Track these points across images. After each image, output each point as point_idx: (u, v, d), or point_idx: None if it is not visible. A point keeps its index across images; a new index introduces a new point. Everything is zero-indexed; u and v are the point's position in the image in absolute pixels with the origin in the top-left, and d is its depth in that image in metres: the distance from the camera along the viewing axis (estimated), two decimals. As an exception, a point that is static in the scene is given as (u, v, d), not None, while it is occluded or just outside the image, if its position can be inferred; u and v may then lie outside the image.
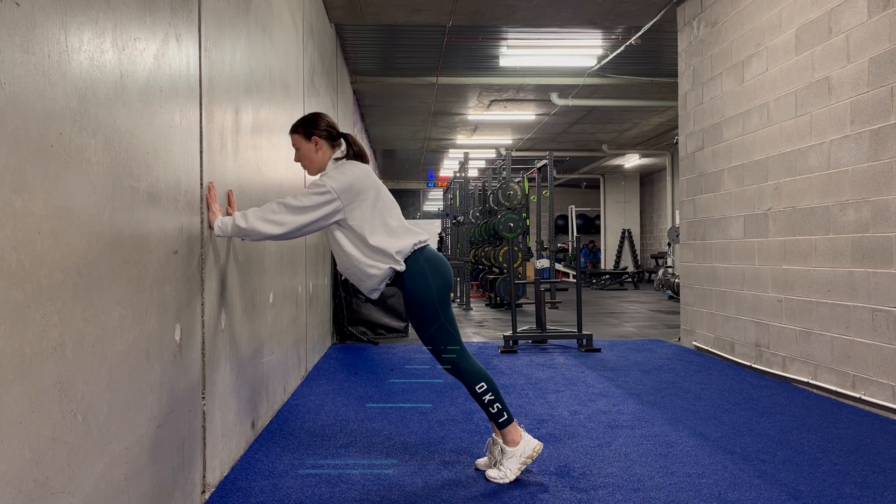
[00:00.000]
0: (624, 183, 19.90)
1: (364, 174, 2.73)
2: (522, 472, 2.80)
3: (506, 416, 2.76)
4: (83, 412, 1.56)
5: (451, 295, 2.83)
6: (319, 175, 2.76)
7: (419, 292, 2.71)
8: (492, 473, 2.74)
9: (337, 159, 2.79)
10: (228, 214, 2.77)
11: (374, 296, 2.79)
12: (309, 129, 2.81)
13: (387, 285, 2.76)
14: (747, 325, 5.22)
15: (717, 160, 5.71)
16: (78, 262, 1.54)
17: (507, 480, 2.70)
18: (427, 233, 2.86)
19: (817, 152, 4.34)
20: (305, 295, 4.96)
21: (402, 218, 2.81)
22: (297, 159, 2.88)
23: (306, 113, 4.97)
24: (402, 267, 2.69)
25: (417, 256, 2.74)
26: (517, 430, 2.78)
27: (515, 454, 2.74)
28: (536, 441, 2.80)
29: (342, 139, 2.84)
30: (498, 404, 2.76)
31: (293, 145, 2.86)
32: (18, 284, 1.31)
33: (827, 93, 4.24)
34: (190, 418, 2.34)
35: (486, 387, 2.75)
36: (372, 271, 2.69)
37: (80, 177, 1.55)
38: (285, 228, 2.61)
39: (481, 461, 2.88)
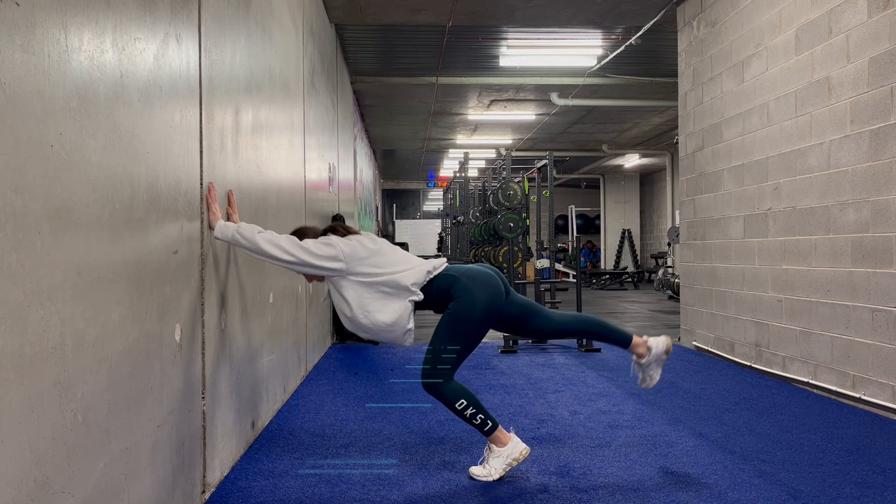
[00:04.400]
0: (624, 183, 19.90)
1: (371, 240, 2.75)
2: (527, 474, 2.80)
3: (490, 424, 2.75)
4: (83, 412, 1.56)
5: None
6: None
7: (463, 315, 2.66)
8: (476, 471, 2.76)
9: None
10: (228, 215, 2.77)
11: (409, 341, 2.70)
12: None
13: (430, 307, 2.73)
14: (747, 325, 5.22)
15: (717, 160, 5.71)
16: (78, 262, 1.54)
17: (491, 478, 2.72)
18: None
19: (817, 152, 4.34)
20: (305, 295, 4.96)
21: (412, 256, 2.77)
22: (309, 280, 2.96)
23: (306, 117, 4.98)
24: (419, 296, 2.64)
25: (455, 278, 2.69)
26: (504, 433, 2.79)
27: (502, 454, 2.75)
28: (524, 445, 2.81)
29: (328, 233, 2.84)
30: (480, 415, 2.73)
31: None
32: (18, 284, 1.31)
33: (827, 93, 4.24)
34: (190, 418, 2.34)
35: (465, 402, 2.70)
36: (392, 316, 2.62)
37: (80, 177, 1.55)
38: (284, 255, 2.61)
39: (475, 469, 2.85)
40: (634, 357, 2.93)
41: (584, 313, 2.87)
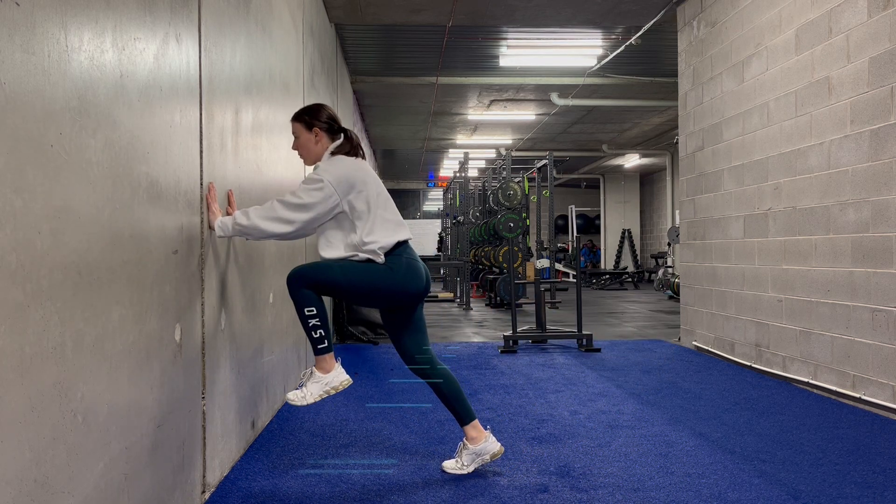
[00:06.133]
0: (624, 183, 19.90)
1: (357, 167, 2.73)
2: (527, 474, 2.81)
3: (326, 344, 2.69)
4: (83, 412, 1.56)
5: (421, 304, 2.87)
6: (314, 168, 2.76)
7: (380, 280, 2.67)
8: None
9: (333, 153, 2.78)
10: (228, 214, 2.77)
11: None
12: (311, 119, 2.81)
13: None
14: (747, 325, 5.22)
15: (717, 160, 5.71)
16: (78, 262, 1.54)
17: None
18: (412, 232, 2.85)
19: (817, 152, 4.34)
20: (305, 295, 4.96)
21: (397, 211, 2.80)
22: (294, 147, 2.86)
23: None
24: (381, 260, 2.67)
25: (400, 255, 2.71)
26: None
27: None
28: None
29: (342, 134, 2.84)
30: (322, 331, 2.67)
31: (293, 132, 2.85)
32: (18, 284, 1.31)
33: (827, 93, 4.24)
34: (190, 418, 2.34)
35: (314, 311, 2.64)
36: (339, 255, 2.69)
37: (80, 177, 1.55)
38: (291, 227, 2.62)
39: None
40: (465, 439, 2.84)
41: (448, 373, 2.88)
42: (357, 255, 2.67)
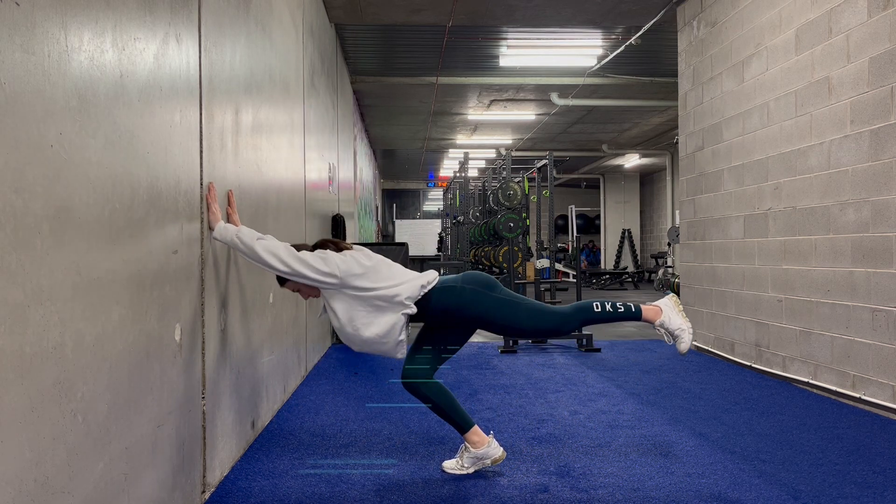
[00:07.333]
0: (624, 183, 19.89)
1: (356, 251, 2.73)
2: (527, 474, 2.82)
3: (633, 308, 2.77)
4: (83, 412, 1.56)
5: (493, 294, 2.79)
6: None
7: (459, 299, 2.68)
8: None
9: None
10: (228, 215, 2.77)
11: (401, 353, 2.67)
12: None
13: (425, 319, 2.73)
14: (747, 325, 5.21)
15: (717, 160, 5.71)
16: (78, 262, 1.54)
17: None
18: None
19: (817, 152, 4.34)
20: (305, 295, 4.96)
21: (406, 270, 2.75)
22: (305, 296, 2.78)
23: (306, 117, 4.98)
24: (413, 310, 2.62)
25: (443, 284, 2.70)
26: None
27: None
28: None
29: (319, 248, 2.79)
30: (620, 304, 2.76)
31: (293, 291, 2.78)
32: (18, 284, 1.31)
33: (827, 93, 4.24)
34: (190, 418, 2.34)
35: (599, 304, 2.74)
36: (383, 328, 2.60)
37: (80, 177, 1.55)
38: (282, 266, 2.56)
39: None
40: (467, 443, 2.83)
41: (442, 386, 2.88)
42: (396, 316, 2.61)
